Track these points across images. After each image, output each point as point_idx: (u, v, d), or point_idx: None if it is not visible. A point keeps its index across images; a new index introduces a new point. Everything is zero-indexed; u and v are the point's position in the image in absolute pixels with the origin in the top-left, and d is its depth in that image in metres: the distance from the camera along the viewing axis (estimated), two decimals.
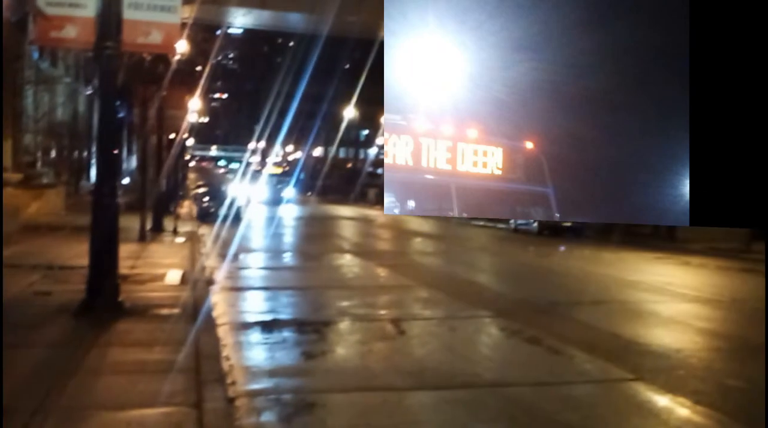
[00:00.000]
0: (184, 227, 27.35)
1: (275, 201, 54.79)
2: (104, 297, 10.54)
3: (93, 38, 10.39)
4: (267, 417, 7.11)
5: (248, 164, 67.42)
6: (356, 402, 7.72)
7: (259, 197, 51.63)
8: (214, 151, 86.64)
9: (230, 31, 67.32)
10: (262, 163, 78.26)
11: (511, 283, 18.05)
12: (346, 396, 7.91)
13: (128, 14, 11.01)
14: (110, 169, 10.92)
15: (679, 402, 7.90)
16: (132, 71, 20.32)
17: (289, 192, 61.63)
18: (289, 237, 31.20)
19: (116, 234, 10.99)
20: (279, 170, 78.06)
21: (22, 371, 7.70)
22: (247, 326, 11.49)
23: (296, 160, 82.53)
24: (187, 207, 40.57)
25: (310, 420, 7.12)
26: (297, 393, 7.93)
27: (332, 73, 68.14)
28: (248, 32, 79.79)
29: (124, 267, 11.40)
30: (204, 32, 37.34)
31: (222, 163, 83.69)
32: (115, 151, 10.85)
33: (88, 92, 38.25)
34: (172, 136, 30.37)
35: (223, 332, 10.57)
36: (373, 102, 64.63)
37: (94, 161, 41.69)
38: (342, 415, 7.34)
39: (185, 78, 32.28)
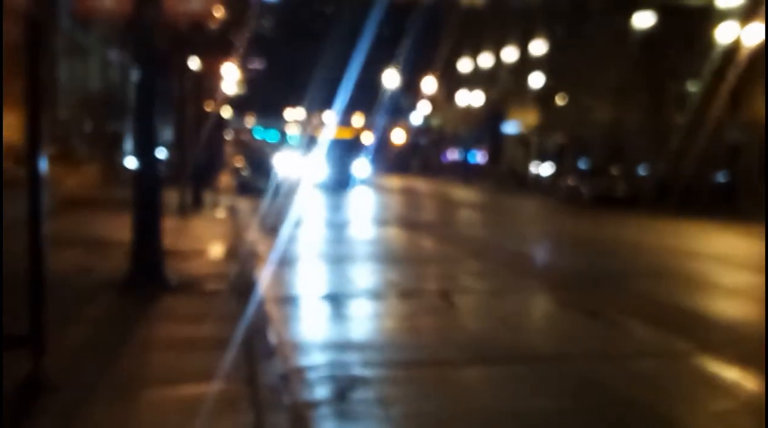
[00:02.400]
0: (224, 201, 27.20)
1: (341, 181, 39.18)
2: (149, 271, 10.33)
3: (132, 7, 10.09)
4: (321, 393, 6.85)
5: (297, 132, 62.81)
6: (412, 377, 7.45)
7: (315, 175, 38.23)
8: (251, 122, 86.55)
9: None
10: (316, 128, 53.92)
11: (566, 254, 17.59)
12: (401, 371, 7.64)
13: None
14: (151, 141, 10.66)
15: (748, 375, 7.51)
16: (168, 41, 19.99)
17: (363, 167, 42.73)
18: (339, 211, 29.95)
19: (159, 208, 10.79)
20: (347, 134, 51.31)
21: (72, 347, 7.52)
22: (294, 300, 11.27)
23: (362, 129, 59.06)
24: (225, 180, 40.50)
25: (365, 396, 6.83)
26: (350, 368, 7.65)
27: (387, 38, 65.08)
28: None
29: (166, 241, 11.16)
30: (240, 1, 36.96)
31: (259, 134, 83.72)
32: (155, 124, 10.54)
33: (123, 63, 38.22)
34: (209, 107, 30.14)
35: (270, 306, 10.32)
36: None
37: (128, 134, 41.74)
38: (398, 390, 7.07)
39: (222, 47, 31.96)
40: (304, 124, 65.74)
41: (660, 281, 13.17)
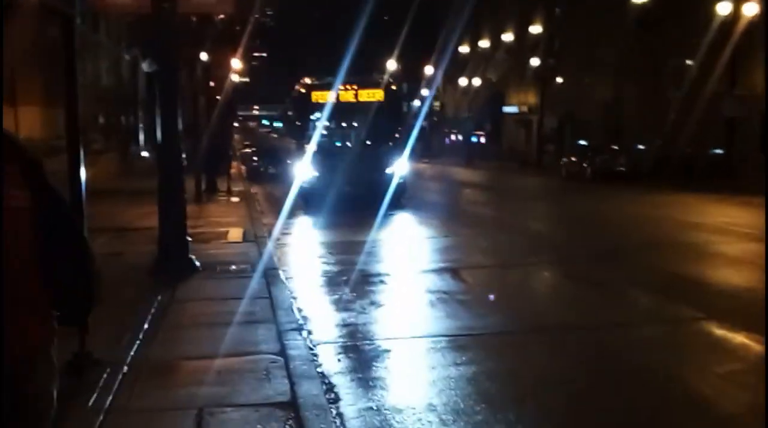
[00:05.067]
0: (236, 187, 27.67)
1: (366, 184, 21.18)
2: (176, 255, 10.79)
3: (148, 1, 10.47)
4: (349, 363, 7.29)
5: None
6: (431, 347, 7.85)
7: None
8: (256, 110, 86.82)
9: None
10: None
11: (572, 229, 17.95)
12: (420, 342, 8.03)
13: None
14: (172, 130, 11.07)
15: (754, 339, 7.88)
16: (180, 33, 20.39)
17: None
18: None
19: (183, 194, 11.24)
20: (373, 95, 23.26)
21: (109, 327, 7.94)
22: (313, 279, 11.71)
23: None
24: (235, 167, 40.97)
25: (390, 364, 7.30)
26: (372, 340, 8.08)
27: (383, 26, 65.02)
28: None
29: (188, 226, 11.62)
30: None
31: (265, 121, 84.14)
32: (177, 115, 10.96)
33: (133, 58, 38.59)
34: (219, 96, 30.54)
35: (292, 285, 10.77)
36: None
37: (140, 127, 42.20)
38: (420, 360, 7.47)
39: (229, 37, 32.36)
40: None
41: (663, 252, 13.56)
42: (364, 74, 25.18)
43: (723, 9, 32.25)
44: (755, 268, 12.04)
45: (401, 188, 21.47)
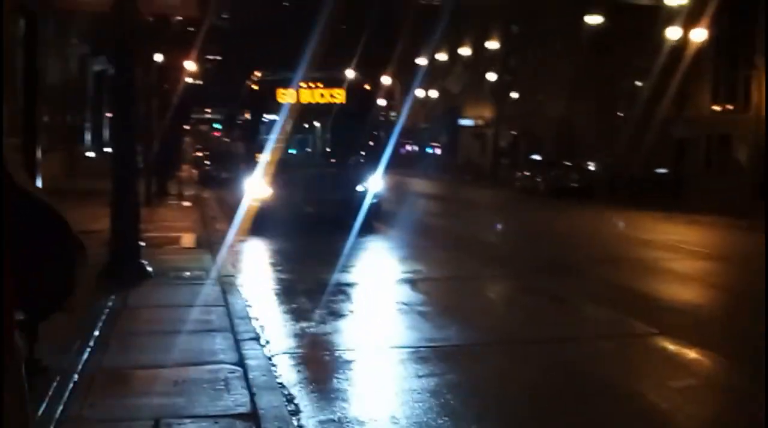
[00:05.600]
0: (188, 191, 27.32)
1: (338, 202, 17.70)
2: (128, 260, 10.55)
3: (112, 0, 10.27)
4: (308, 373, 7.18)
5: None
6: (392, 358, 7.78)
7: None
8: (209, 114, 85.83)
9: None
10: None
11: (527, 243, 18.09)
12: (381, 353, 7.97)
13: None
14: (128, 132, 10.88)
15: (706, 355, 7.98)
16: (136, 33, 20.11)
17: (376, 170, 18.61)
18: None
19: (137, 197, 11.02)
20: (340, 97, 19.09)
21: (58, 333, 7.71)
22: (269, 287, 11.57)
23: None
24: (186, 171, 40.50)
25: (351, 375, 7.21)
26: (332, 351, 8.00)
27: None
28: None
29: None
30: None
31: (217, 125, 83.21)
32: (132, 115, 10.76)
33: (82, 55, 37.89)
34: (172, 98, 30.18)
35: (248, 293, 10.61)
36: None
37: (88, 126, 41.42)
38: (381, 371, 7.42)
39: (183, 39, 31.98)
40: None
41: (617, 267, 13.73)
42: (331, 70, 21.87)
43: (672, 34, 32.93)
44: (705, 286, 12.28)
45: (375, 209, 17.91)
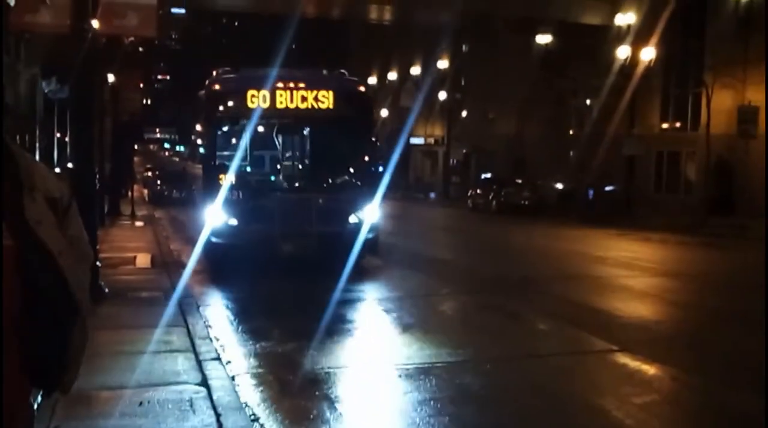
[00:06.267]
0: (140, 211, 27.01)
1: (323, 237, 13.90)
2: None
3: (68, 21, 10.17)
4: (272, 393, 7.14)
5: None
6: (354, 377, 7.77)
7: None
8: (158, 133, 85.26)
9: (173, 10, 66.21)
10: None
11: (482, 260, 18.17)
12: (342, 372, 7.95)
13: None
14: (87, 153, 10.75)
15: (667, 371, 8.10)
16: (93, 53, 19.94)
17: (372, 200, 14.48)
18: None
19: (95, 218, 10.87)
20: (325, 101, 14.51)
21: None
22: (228, 307, 11.46)
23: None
24: (137, 190, 40.06)
25: (314, 394, 7.16)
26: (293, 370, 7.94)
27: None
28: (191, 13, 78.70)
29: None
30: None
31: (167, 145, 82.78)
32: (92, 135, 10.64)
33: (33, 75, 37.35)
34: (123, 119, 29.90)
35: (207, 313, 10.52)
36: None
37: (37, 145, 40.71)
38: (344, 390, 7.40)
39: (135, 59, 31.76)
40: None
41: (573, 284, 13.87)
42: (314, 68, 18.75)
43: (622, 53, 33.58)
44: (662, 302, 12.46)
45: (370, 245, 14.27)
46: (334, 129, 14.75)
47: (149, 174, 42.88)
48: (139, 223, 23.08)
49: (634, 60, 32.98)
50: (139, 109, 31.36)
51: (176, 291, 11.29)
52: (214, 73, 15.08)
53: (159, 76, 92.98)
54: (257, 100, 13.83)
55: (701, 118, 31.12)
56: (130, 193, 29.97)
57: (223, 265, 14.05)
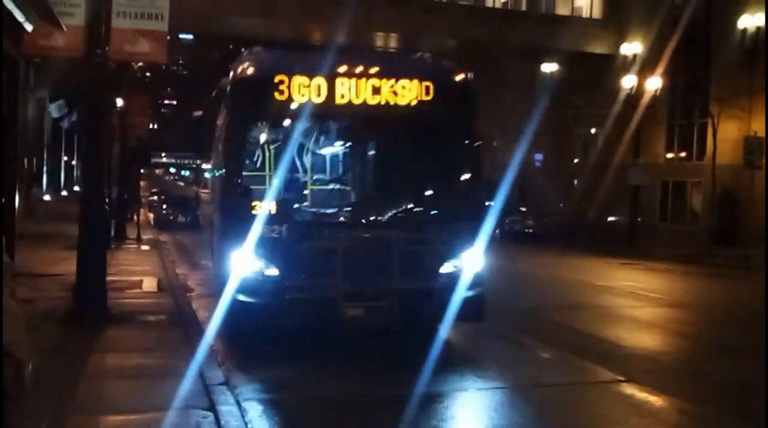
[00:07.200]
0: (145, 235, 27.04)
1: (405, 294, 9.55)
2: (93, 304, 10.43)
3: (81, 47, 10.30)
4: (279, 419, 7.15)
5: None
6: (361, 405, 7.74)
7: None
8: (164, 158, 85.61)
9: (181, 36, 66.82)
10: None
11: (486, 288, 18.03)
12: (349, 400, 7.89)
13: (117, 23, 10.95)
14: (97, 176, 10.82)
15: (674, 402, 8.08)
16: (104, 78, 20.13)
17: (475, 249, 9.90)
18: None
19: (104, 242, 10.92)
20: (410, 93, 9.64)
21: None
22: (235, 332, 11.43)
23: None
24: (143, 214, 40.16)
25: (320, 422, 7.19)
26: (301, 396, 7.95)
27: None
28: (198, 38, 79.35)
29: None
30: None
31: (172, 169, 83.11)
32: (101, 159, 10.73)
33: (40, 99, 37.66)
34: (131, 142, 30.05)
35: (213, 337, 10.50)
36: None
37: (44, 169, 41.05)
38: (351, 419, 7.39)
39: (142, 84, 32.01)
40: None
41: (579, 313, 13.86)
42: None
43: (628, 83, 33.76)
44: (667, 332, 12.45)
45: (474, 305, 10.14)
46: (421, 135, 10.51)
47: (155, 198, 43.03)
48: (145, 247, 23.11)
49: (639, 89, 33.14)
50: (146, 133, 31.52)
51: (182, 314, 11.30)
52: (244, 51, 10.57)
53: (166, 101, 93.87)
54: (308, 91, 9.38)
55: (707, 148, 31.20)
56: (136, 217, 30.12)
57: (253, 336, 10.11)
